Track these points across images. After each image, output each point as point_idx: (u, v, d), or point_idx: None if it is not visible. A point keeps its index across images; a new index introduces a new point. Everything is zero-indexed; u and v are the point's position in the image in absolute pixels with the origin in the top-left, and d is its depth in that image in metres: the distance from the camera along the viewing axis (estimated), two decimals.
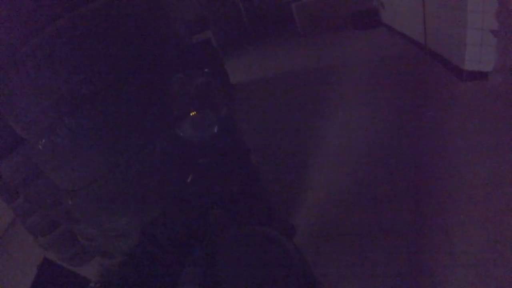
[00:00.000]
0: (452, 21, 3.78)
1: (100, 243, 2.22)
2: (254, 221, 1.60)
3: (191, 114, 1.17)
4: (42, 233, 3.06)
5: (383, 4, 5.93)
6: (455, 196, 2.45)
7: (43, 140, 1.36)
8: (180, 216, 1.16)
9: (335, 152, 3.49)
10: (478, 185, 2.46)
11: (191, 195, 1.20)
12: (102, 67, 1.33)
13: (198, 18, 6.59)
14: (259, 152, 3.85)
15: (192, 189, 1.22)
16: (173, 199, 1.23)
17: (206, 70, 1.26)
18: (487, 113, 3.20)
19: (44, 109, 1.31)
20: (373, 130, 3.58)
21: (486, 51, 3.51)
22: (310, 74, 5.37)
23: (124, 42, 1.39)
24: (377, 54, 5.19)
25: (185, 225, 1.14)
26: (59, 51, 1.23)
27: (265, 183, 2.61)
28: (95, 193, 1.47)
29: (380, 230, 2.43)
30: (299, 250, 1.31)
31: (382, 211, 2.57)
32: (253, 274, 1.13)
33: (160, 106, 1.48)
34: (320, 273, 2.26)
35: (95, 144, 1.39)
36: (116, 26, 1.35)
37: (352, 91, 4.49)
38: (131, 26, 1.42)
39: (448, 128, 3.19)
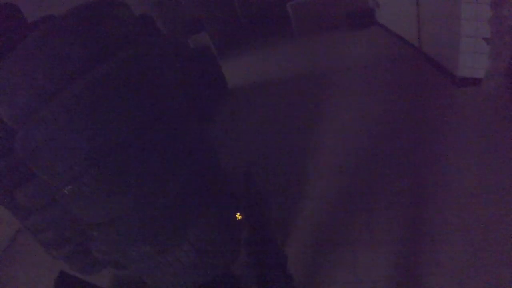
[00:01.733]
0: (446, 28, 3.87)
1: (115, 257, 2.34)
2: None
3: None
4: (55, 247, 3.18)
5: (378, 3, 5.98)
6: (442, 204, 2.59)
7: (69, 187, 1.46)
8: None
9: (329, 159, 3.61)
10: (465, 193, 2.60)
11: None
12: (122, 123, 1.43)
13: (193, 18, 6.61)
14: (255, 158, 3.98)
15: None
16: None
17: None
18: (479, 119, 3.32)
19: (68, 163, 1.41)
20: (367, 137, 3.70)
21: (479, 58, 3.62)
22: (305, 77, 5.44)
23: (142, 97, 1.49)
24: (371, 56, 5.25)
25: None
26: (80, 112, 1.32)
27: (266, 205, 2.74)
28: (119, 226, 1.59)
29: (371, 239, 2.57)
30: None
31: (373, 220, 2.71)
32: None
33: (178, 148, 1.60)
34: (314, 280, 2.42)
35: (118, 188, 1.50)
36: (134, 83, 1.45)
37: (347, 96, 4.58)
38: (148, 81, 1.52)
39: (440, 134, 3.32)
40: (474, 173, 2.76)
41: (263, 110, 5.09)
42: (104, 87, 1.36)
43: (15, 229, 5.55)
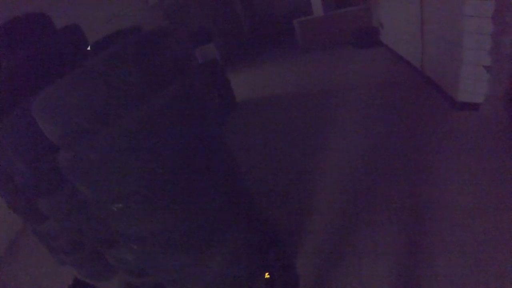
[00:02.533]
0: (449, 54, 4.06)
1: (133, 266, 2.45)
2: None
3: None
4: (66, 253, 3.26)
5: (382, 24, 6.17)
6: (440, 221, 2.74)
7: (119, 205, 1.58)
8: None
9: (332, 175, 3.77)
10: (462, 211, 2.76)
11: None
12: (174, 147, 1.57)
13: (201, 29, 6.75)
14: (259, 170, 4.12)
15: None
16: None
17: None
18: (477, 142, 3.50)
19: (121, 184, 1.53)
20: (367, 154, 3.87)
21: (479, 84, 3.80)
22: (310, 92, 5.61)
23: (192, 122, 1.64)
24: (374, 77, 5.42)
25: None
26: (139, 137, 1.44)
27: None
28: (160, 239, 1.71)
29: (375, 252, 2.72)
30: None
31: (377, 234, 2.86)
32: None
33: (214, 166, 1.76)
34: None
35: (165, 205, 1.62)
36: (187, 110, 1.59)
37: (348, 115, 4.74)
38: (196, 106, 1.67)
39: (438, 155, 3.49)
40: (469, 192, 2.93)
41: (269, 123, 5.22)
42: (162, 116, 1.49)
43: (16, 230, 5.59)
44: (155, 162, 1.53)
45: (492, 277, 2.23)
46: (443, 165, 3.33)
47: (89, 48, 2.94)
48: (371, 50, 6.26)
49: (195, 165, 1.69)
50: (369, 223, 2.99)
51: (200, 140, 1.75)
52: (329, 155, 4.14)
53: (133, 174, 1.51)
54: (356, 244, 2.84)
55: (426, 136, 3.83)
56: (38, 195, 2.55)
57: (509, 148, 3.24)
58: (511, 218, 2.58)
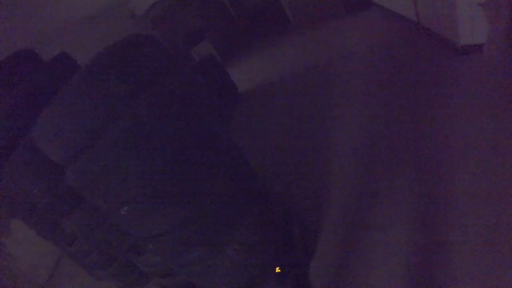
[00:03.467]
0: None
1: (163, 267, 2.53)
2: None
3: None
4: (101, 268, 3.38)
5: None
6: (455, 210, 2.55)
7: (125, 207, 1.63)
8: None
9: (341, 153, 3.75)
10: (479, 194, 2.53)
11: None
12: (173, 145, 1.61)
13: (192, 31, 6.73)
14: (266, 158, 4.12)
15: None
16: None
17: None
18: (484, 85, 3.38)
19: (124, 187, 1.58)
20: (377, 118, 3.83)
21: (478, 24, 3.67)
22: (311, 69, 5.53)
23: (184, 120, 1.67)
24: (371, 40, 5.29)
25: None
26: (133, 141, 1.49)
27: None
28: (174, 235, 1.77)
29: (387, 247, 2.62)
30: None
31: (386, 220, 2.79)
32: None
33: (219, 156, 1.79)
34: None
35: (172, 202, 1.67)
36: (177, 110, 1.63)
37: (353, 83, 4.65)
38: (187, 105, 1.70)
39: (447, 110, 3.38)
40: (485, 166, 2.73)
41: (274, 109, 5.20)
42: (151, 116, 1.53)
43: (55, 258, 5.80)
44: (153, 162, 1.57)
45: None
46: (452, 119, 3.23)
47: None
48: (364, 13, 6.09)
49: (197, 161, 1.72)
50: (373, 206, 2.94)
51: (201, 135, 1.78)
52: (341, 124, 4.11)
53: (132, 177, 1.55)
54: (365, 232, 2.79)
55: (433, 87, 3.73)
56: (61, 216, 2.64)
57: None
58: None
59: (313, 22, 6.81)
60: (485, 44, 3.74)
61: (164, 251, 1.91)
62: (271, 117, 5.10)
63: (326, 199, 3.33)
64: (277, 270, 1.64)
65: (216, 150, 1.84)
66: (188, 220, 1.73)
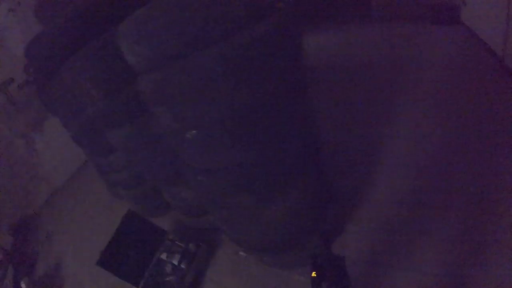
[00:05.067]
0: None
1: (188, 203, 2.54)
2: None
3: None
4: (126, 187, 3.44)
5: (464, 1, 5.69)
6: None
7: (194, 131, 1.63)
8: None
9: (394, 155, 3.60)
10: None
11: None
12: (250, 90, 1.57)
13: None
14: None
15: None
16: None
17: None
18: None
19: (200, 111, 1.57)
20: (434, 137, 3.65)
21: None
22: (383, 65, 5.34)
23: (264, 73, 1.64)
24: (448, 57, 5.04)
25: None
26: (225, 70, 1.46)
27: None
28: (228, 174, 1.76)
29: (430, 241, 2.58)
30: None
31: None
32: None
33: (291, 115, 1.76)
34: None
35: (238, 140, 1.66)
36: (259, 62, 1.58)
37: (419, 92, 4.46)
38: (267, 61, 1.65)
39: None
40: None
41: (334, 90, 5.06)
42: (257, 48, 1.50)
43: (76, 166, 5.98)
44: (244, 94, 1.54)
45: None
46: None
47: None
48: (449, 28, 5.79)
49: (280, 107, 1.69)
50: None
51: (287, 82, 1.74)
52: (392, 130, 3.97)
53: (219, 102, 1.53)
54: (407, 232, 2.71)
55: (498, 138, 3.51)
56: (110, 126, 2.67)
57: None
58: None
59: (395, 22, 6.56)
60: None
61: (211, 189, 1.90)
62: (327, 94, 4.97)
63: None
64: (313, 274, 1.60)
65: (297, 103, 1.80)
66: (248, 163, 1.71)
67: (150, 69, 1.64)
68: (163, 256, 3.06)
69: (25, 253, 4.89)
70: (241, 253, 2.75)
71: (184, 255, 2.98)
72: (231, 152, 1.70)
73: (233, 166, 1.74)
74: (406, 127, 3.99)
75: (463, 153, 3.31)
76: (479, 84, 4.31)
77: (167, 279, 2.96)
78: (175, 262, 2.97)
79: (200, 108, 1.56)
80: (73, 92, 2.90)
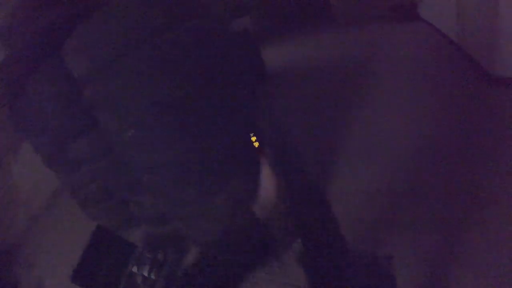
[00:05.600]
0: (485, 25, 3.83)
1: (153, 213, 2.57)
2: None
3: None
4: (94, 203, 3.43)
5: None
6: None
7: (132, 130, 1.70)
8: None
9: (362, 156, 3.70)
10: None
11: None
12: (182, 81, 1.65)
13: (238, 3, 6.71)
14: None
15: None
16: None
17: None
18: None
19: (137, 109, 1.64)
20: (401, 132, 3.76)
21: None
22: (345, 65, 5.49)
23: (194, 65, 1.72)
24: (410, 51, 5.23)
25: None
26: (151, 66, 1.54)
27: None
28: (170, 168, 1.82)
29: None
30: None
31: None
32: None
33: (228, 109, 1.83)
34: None
35: (174, 134, 1.73)
36: (190, 52, 1.66)
37: (384, 89, 4.60)
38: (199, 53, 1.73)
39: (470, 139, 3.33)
40: None
41: (297, 93, 5.17)
42: (180, 46, 1.58)
43: (53, 191, 5.89)
44: (167, 91, 1.62)
45: None
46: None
47: None
48: (410, 25, 6.02)
49: (210, 102, 1.76)
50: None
51: (219, 82, 1.81)
52: (359, 130, 4.09)
53: (145, 101, 1.61)
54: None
55: (459, 113, 3.66)
56: (71, 139, 2.70)
57: None
58: None
59: (356, 21, 6.74)
60: None
61: (157, 185, 1.96)
62: (291, 99, 5.08)
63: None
64: None
65: (233, 101, 1.86)
66: (188, 154, 1.77)
67: (89, 79, 1.71)
68: (134, 269, 3.05)
69: (7, 282, 4.80)
70: None
71: (153, 265, 2.98)
72: (169, 148, 1.77)
73: (173, 161, 1.81)
74: (377, 126, 4.09)
75: (437, 149, 3.42)
76: (442, 73, 4.49)
77: None
78: (145, 273, 2.97)
79: (135, 106, 1.64)
80: (35, 110, 2.92)
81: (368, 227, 2.77)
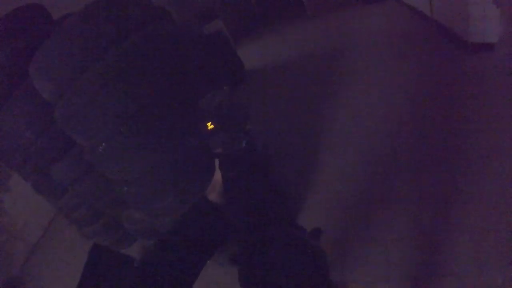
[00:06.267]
0: None
1: (144, 225, 2.56)
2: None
3: (209, 128, 1.25)
4: (87, 223, 3.42)
5: None
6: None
7: (103, 145, 1.67)
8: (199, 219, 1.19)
9: (347, 140, 3.70)
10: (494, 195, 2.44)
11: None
12: (146, 90, 1.63)
13: (206, 8, 6.71)
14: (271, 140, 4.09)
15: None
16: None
17: (225, 87, 1.40)
18: (494, 85, 3.32)
19: (102, 124, 1.61)
20: (385, 113, 3.75)
21: (490, 23, 3.59)
22: (322, 56, 5.48)
23: (159, 70, 1.69)
24: (385, 31, 5.23)
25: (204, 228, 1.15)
26: (112, 78, 1.52)
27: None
28: (146, 179, 1.80)
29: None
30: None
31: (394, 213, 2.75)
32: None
33: (190, 113, 1.79)
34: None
35: (145, 145, 1.70)
36: (153, 58, 1.64)
37: (364, 73, 4.60)
38: (164, 58, 1.71)
39: (460, 106, 3.31)
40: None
41: (279, 91, 5.17)
42: (130, 59, 1.56)
43: (50, 217, 5.86)
44: (129, 101, 1.60)
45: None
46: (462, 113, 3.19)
47: None
48: (382, 5, 6.01)
49: (176, 110, 1.74)
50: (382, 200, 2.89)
51: (183, 88, 1.79)
52: (343, 114, 4.09)
53: (111, 113, 1.59)
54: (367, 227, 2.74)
55: (441, 82, 3.67)
56: (51, 161, 2.68)
57: None
58: None
59: (328, 11, 6.75)
60: (497, 44, 3.68)
61: (138, 198, 1.94)
62: (273, 96, 5.09)
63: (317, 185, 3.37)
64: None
65: (196, 109, 1.84)
66: (161, 165, 1.75)
67: (56, 99, 1.69)
68: None
69: None
70: None
71: None
72: (142, 158, 1.75)
73: (149, 171, 1.79)
74: (359, 112, 4.08)
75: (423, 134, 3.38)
76: (420, 47, 4.51)
77: None
78: None
79: (101, 121, 1.62)
80: (13, 139, 2.90)
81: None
